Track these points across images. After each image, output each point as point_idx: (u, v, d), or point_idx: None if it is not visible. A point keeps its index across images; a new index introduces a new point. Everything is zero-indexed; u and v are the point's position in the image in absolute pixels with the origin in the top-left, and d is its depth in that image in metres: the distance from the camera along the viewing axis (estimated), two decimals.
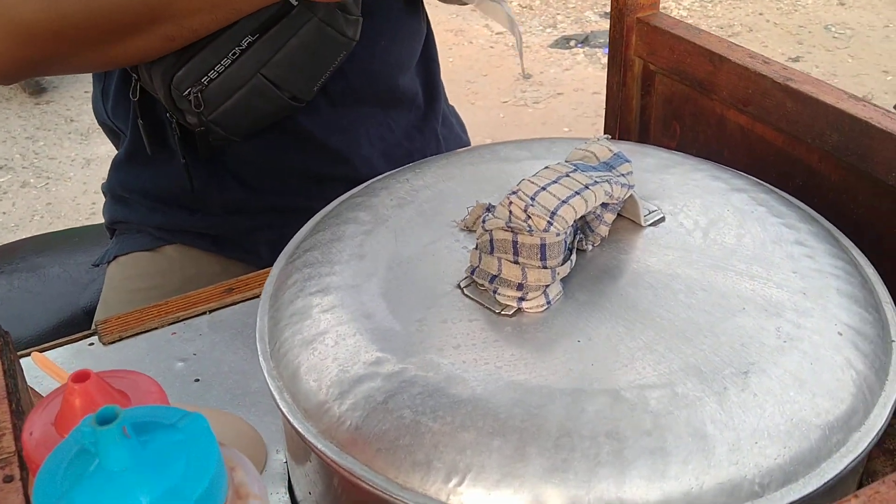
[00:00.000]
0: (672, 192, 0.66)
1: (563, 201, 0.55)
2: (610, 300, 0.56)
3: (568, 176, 0.57)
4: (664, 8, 3.95)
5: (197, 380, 0.74)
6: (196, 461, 0.35)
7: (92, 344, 0.78)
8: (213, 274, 1.02)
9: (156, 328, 0.79)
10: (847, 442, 0.50)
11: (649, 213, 0.63)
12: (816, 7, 3.96)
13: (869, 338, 0.54)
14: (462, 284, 0.57)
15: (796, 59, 3.54)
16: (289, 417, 0.52)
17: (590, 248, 0.60)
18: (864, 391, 0.52)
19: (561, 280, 0.57)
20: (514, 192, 0.56)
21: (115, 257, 1.05)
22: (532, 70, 3.60)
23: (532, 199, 0.55)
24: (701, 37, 0.80)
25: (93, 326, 0.80)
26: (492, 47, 3.77)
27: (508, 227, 0.55)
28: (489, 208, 0.58)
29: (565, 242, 0.56)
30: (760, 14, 3.94)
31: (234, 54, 0.83)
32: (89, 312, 1.11)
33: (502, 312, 0.55)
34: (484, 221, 0.56)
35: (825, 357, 0.52)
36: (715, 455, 0.47)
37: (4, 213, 2.86)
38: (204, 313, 0.81)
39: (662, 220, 0.63)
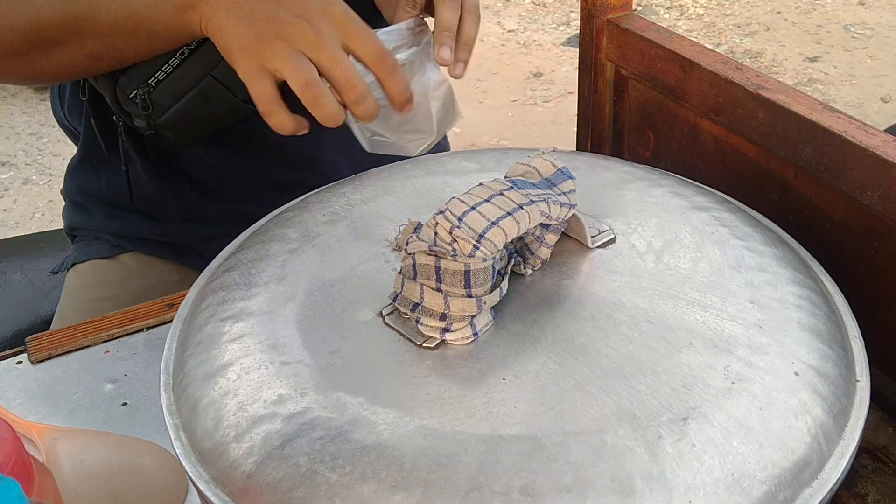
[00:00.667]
0: (628, 210, 0.61)
1: (493, 223, 0.50)
2: (544, 332, 0.51)
3: (501, 194, 0.52)
4: (681, 5, 3.88)
5: (125, 403, 0.69)
6: None
7: (20, 363, 0.74)
8: (172, 283, 0.98)
9: (88, 346, 0.75)
10: (796, 499, 0.44)
11: (599, 233, 0.58)
12: (835, 6, 3.87)
13: (829, 378, 0.49)
14: (384, 312, 0.52)
15: (814, 59, 3.46)
16: (181, 460, 0.48)
17: (529, 272, 0.55)
18: (820, 439, 0.46)
19: (493, 308, 0.52)
20: (440, 212, 0.51)
21: (73, 265, 1.01)
22: (543, 68, 3.54)
23: (459, 219, 0.50)
24: (672, 41, 0.74)
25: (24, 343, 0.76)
26: (502, 45, 3.71)
27: (432, 250, 0.50)
28: (416, 228, 0.53)
29: (493, 268, 0.50)
30: (779, 13, 3.86)
31: (182, 54, 0.79)
32: (50, 321, 1.07)
33: (424, 344, 0.50)
34: (407, 244, 0.51)
35: (777, 401, 0.47)
36: None
37: (5, 210, 2.83)
38: (141, 330, 0.76)
39: (613, 241, 0.58)
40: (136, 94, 0.80)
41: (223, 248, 0.97)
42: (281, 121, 0.68)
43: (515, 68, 3.55)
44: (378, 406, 0.46)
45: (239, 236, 0.64)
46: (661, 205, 0.61)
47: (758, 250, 0.57)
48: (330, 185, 0.67)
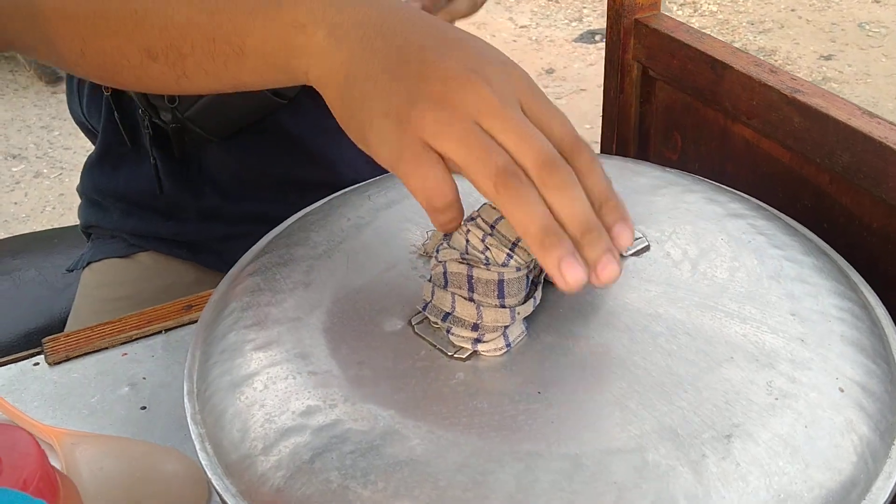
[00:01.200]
0: (661, 217, 0.59)
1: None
2: (579, 344, 0.49)
3: None
4: (695, 2, 3.85)
5: (143, 407, 0.68)
6: None
7: (37, 364, 0.72)
8: (189, 284, 0.97)
9: (106, 348, 0.73)
10: None
11: (633, 240, 0.56)
12: (850, 4, 3.84)
13: (875, 394, 0.47)
14: (413, 321, 0.51)
15: (828, 58, 3.43)
16: (207, 472, 0.46)
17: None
18: (867, 459, 0.45)
19: (525, 319, 0.50)
20: (472, 219, 0.49)
21: (88, 263, 1.00)
22: (555, 65, 3.52)
23: (492, 227, 0.49)
24: (703, 41, 0.73)
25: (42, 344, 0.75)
26: (515, 41, 3.69)
27: (464, 259, 0.48)
28: (447, 235, 0.52)
29: (528, 278, 0.49)
30: (793, 10, 3.83)
31: None
32: (65, 320, 1.06)
33: (455, 355, 0.49)
34: (437, 251, 0.50)
35: (822, 418, 0.45)
36: None
37: (16, 203, 2.83)
38: (160, 332, 0.75)
39: (647, 249, 0.56)
40: None
41: (242, 247, 0.96)
42: (453, 220, 0.46)
43: (527, 65, 3.53)
44: (410, 419, 0.45)
45: (261, 240, 0.63)
46: (695, 211, 0.59)
47: (797, 260, 0.55)
48: (353, 187, 0.66)
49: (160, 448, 0.64)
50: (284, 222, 0.64)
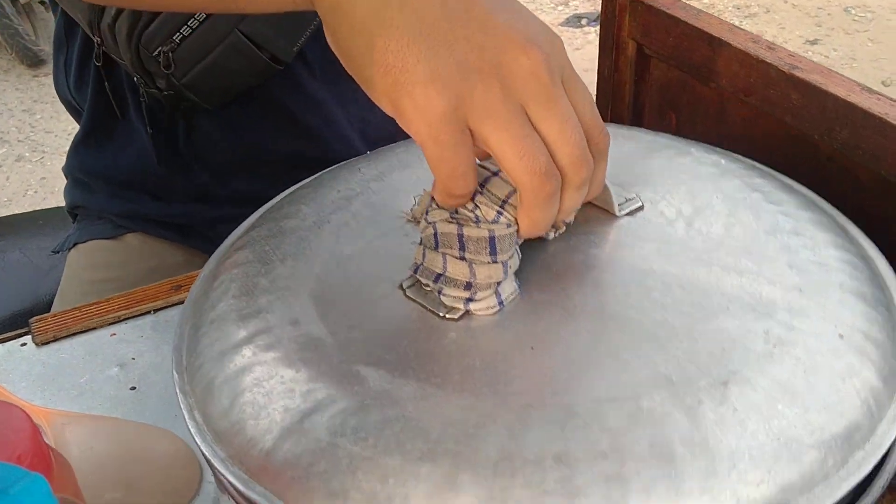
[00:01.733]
0: (655, 179, 0.58)
1: (515, 189, 0.47)
2: (573, 300, 0.48)
3: None
4: None
5: (133, 388, 0.67)
6: None
7: (24, 344, 0.71)
8: (177, 265, 0.96)
9: (95, 328, 0.72)
10: (847, 463, 0.42)
11: (625, 201, 0.55)
12: None
13: (877, 341, 0.46)
14: (405, 285, 0.50)
15: (814, 42, 3.43)
16: (196, 439, 0.45)
17: (552, 235, 0.53)
18: (870, 403, 0.44)
19: (518, 278, 0.49)
20: None
21: (74, 244, 0.99)
22: None
23: (482, 185, 0.48)
24: (700, 18, 0.72)
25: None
26: None
27: (453, 218, 0.48)
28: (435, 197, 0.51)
29: (517, 233, 0.48)
30: None
31: None
32: (50, 302, 1.05)
33: (447, 316, 0.48)
34: (427, 213, 0.49)
35: (822, 364, 0.44)
36: (684, 482, 0.39)
37: None
38: (148, 312, 0.74)
39: (641, 209, 0.55)
40: (159, 52, 0.78)
41: (231, 231, 0.95)
42: (461, 205, 0.47)
43: None
44: (400, 379, 0.44)
45: (251, 216, 0.62)
46: (689, 172, 0.58)
47: (793, 214, 0.54)
48: (344, 162, 0.65)
49: (152, 428, 0.63)
50: (273, 199, 0.63)
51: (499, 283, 0.48)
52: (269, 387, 0.45)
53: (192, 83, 0.80)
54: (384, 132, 0.98)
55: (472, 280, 0.47)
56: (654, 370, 0.43)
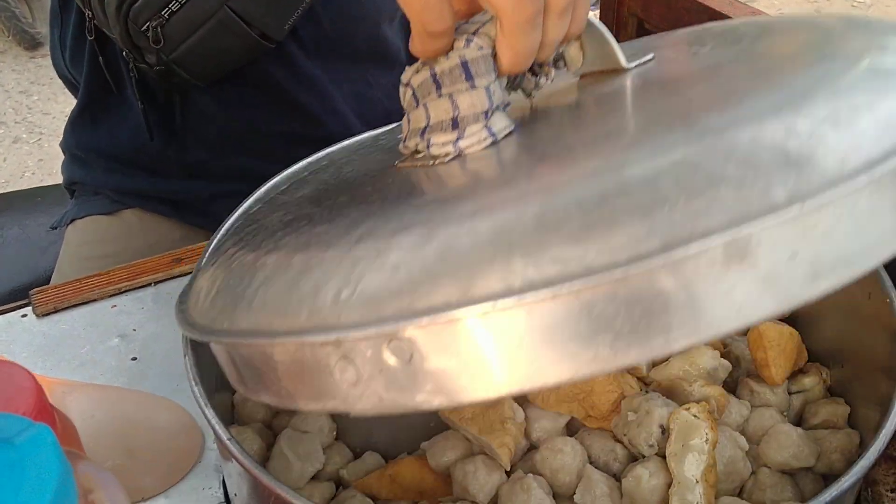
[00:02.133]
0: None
1: (486, 21, 0.44)
2: (583, 120, 0.45)
3: None
4: None
5: (134, 358, 0.67)
6: (32, 488, 0.28)
7: (25, 316, 0.72)
8: (174, 241, 0.96)
9: (95, 300, 0.73)
10: None
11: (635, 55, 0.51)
12: None
13: None
14: (397, 163, 0.47)
15: None
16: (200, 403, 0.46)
17: (543, 81, 0.49)
18: None
19: (516, 120, 0.46)
20: None
21: (72, 220, 0.99)
22: None
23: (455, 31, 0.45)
24: None
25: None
26: None
27: (423, 65, 0.45)
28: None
29: (492, 57, 0.44)
30: None
31: None
32: (48, 278, 1.05)
33: (437, 163, 0.44)
34: (408, 82, 0.46)
35: None
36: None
37: None
38: (149, 285, 0.74)
39: (652, 60, 0.50)
40: (147, 27, 0.77)
41: (228, 207, 0.95)
42: (440, 51, 0.45)
43: None
44: (393, 212, 0.38)
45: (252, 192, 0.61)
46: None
47: None
48: (344, 142, 0.64)
49: (153, 397, 0.63)
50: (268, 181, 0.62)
51: (486, 115, 0.44)
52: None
53: (182, 59, 0.80)
54: (379, 109, 0.98)
55: (456, 114, 0.44)
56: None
